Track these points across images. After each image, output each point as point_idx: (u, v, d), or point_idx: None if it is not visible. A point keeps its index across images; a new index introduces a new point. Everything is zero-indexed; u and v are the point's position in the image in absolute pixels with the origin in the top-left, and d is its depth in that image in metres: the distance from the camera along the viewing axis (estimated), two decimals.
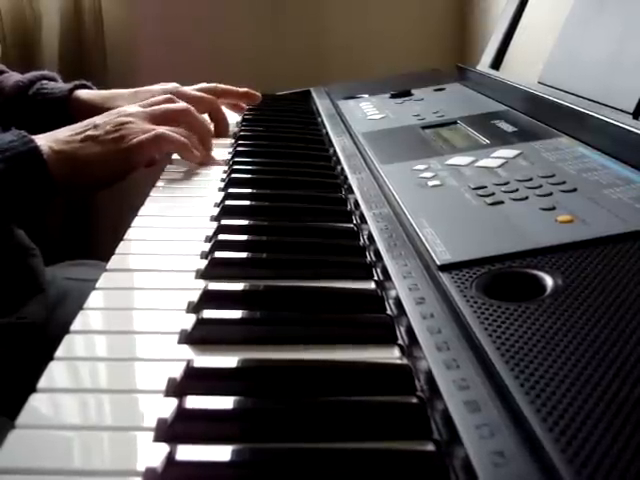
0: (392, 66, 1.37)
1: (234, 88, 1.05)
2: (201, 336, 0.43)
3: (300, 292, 0.49)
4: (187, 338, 0.43)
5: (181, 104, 0.81)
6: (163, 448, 0.32)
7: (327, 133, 0.91)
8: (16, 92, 0.90)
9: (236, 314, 0.45)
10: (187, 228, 0.62)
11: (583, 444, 0.28)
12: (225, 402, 0.35)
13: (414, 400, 0.36)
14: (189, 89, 0.96)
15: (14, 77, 0.94)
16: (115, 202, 1.51)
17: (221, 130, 0.98)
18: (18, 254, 0.80)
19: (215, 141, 0.92)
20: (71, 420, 0.36)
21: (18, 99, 0.90)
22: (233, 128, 1.01)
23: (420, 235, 0.50)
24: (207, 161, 0.81)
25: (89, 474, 0.32)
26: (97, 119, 0.75)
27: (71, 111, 0.88)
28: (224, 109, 1.02)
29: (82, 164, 0.69)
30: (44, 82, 0.92)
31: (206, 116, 0.94)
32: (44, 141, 0.68)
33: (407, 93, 1.03)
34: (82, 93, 0.92)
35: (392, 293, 0.46)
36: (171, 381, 0.38)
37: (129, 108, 0.78)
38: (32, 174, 0.65)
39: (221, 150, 0.88)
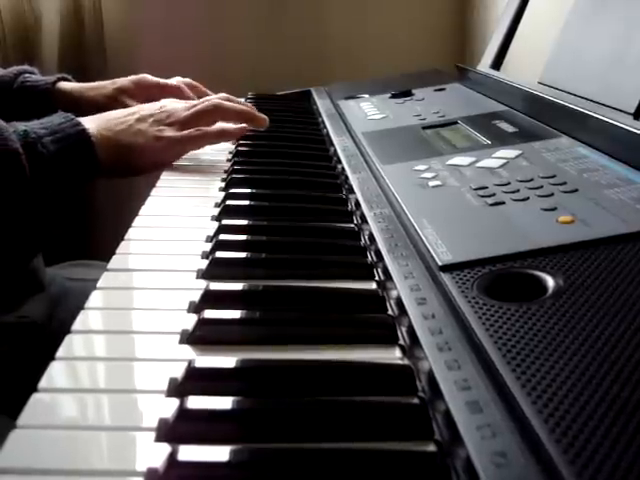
0: (392, 66, 1.37)
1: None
2: (202, 336, 0.43)
3: (301, 292, 0.49)
4: (188, 338, 0.43)
5: (209, 105, 0.84)
6: (165, 448, 0.32)
7: (327, 133, 0.91)
8: (2, 85, 0.93)
9: (237, 314, 0.45)
10: (188, 228, 0.62)
11: (585, 445, 0.28)
12: (226, 402, 0.35)
13: (415, 401, 0.36)
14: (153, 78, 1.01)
15: None
16: (115, 202, 1.50)
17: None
18: None
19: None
20: (72, 420, 0.36)
21: (4, 91, 0.93)
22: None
23: (421, 235, 0.50)
24: (262, 123, 0.87)
25: (90, 474, 0.32)
26: (141, 110, 0.79)
27: (54, 102, 0.92)
28: None
29: (125, 151, 0.73)
30: (26, 75, 0.94)
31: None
32: (91, 124, 0.71)
33: (407, 93, 1.03)
34: (64, 85, 0.96)
35: (393, 293, 0.46)
36: (172, 381, 0.38)
37: (170, 104, 0.81)
38: (81, 156, 0.69)
39: (221, 150, 0.89)
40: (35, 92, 0.92)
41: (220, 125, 0.83)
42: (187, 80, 1.04)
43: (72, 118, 0.70)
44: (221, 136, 0.83)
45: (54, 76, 0.96)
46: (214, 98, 0.85)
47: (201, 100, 0.84)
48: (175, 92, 0.96)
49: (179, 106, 0.81)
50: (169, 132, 0.77)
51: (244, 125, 0.84)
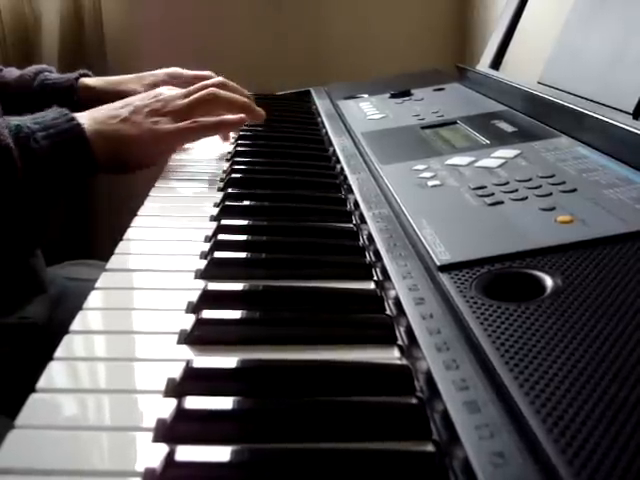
0: (392, 66, 1.37)
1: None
2: (200, 336, 0.43)
3: (300, 292, 0.49)
4: (186, 338, 0.43)
5: (209, 91, 0.82)
6: (162, 448, 0.32)
7: (327, 133, 0.91)
8: (21, 85, 0.92)
9: (235, 314, 0.45)
10: (187, 228, 0.62)
11: (583, 445, 0.28)
12: (224, 402, 0.35)
13: (414, 401, 0.36)
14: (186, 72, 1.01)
15: (13, 71, 0.96)
16: (115, 202, 1.51)
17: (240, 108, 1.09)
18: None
19: (215, 143, 0.92)
20: (71, 420, 0.36)
21: (23, 92, 0.91)
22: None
23: (420, 235, 0.50)
24: (258, 117, 0.85)
25: (89, 474, 0.32)
26: (135, 101, 0.77)
27: (78, 98, 0.91)
28: None
29: (121, 144, 0.71)
30: (46, 74, 0.94)
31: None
32: (85, 119, 0.70)
33: (407, 93, 1.03)
34: (89, 80, 0.94)
35: (392, 293, 0.46)
36: (170, 381, 0.38)
37: (166, 92, 0.79)
38: (75, 151, 0.67)
39: (220, 150, 0.88)
40: (58, 89, 0.90)
41: (217, 117, 0.80)
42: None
43: (66, 113, 0.69)
44: (219, 127, 0.80)
45: (75, 72, 0.95)
46: (214, 81, 0.84)
47: (197, 86, 0.81)
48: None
49: (175, 94, 0.79)
50: (165, 124, 0.74)
51: (243, 115, 0.81)
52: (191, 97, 0.78)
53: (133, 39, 1.54)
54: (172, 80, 0.96)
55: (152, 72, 0.99)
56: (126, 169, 0.76)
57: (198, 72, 1.03)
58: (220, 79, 0.87)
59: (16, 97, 0.89)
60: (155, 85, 0.91)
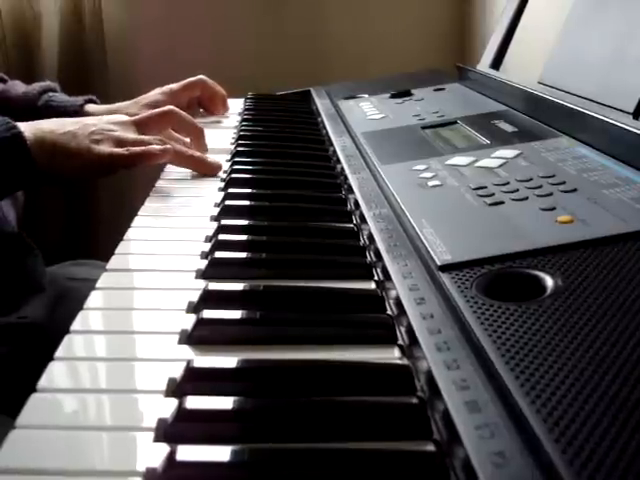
0: (392, 66, 1.37)
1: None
2: (201, 336, 0.43)
3: (300, 292, 0.49)
4: (187, 338, 0.43)
5: (165, 107, 0.83)
6: (163, 448, 0.32)
7: (327, 133, 0.91)
8: (25, 102, 0.93)
9: (236, 314, 0.45)
10: (187, 228, 0.62)
11: (583, 445, 0.28)
12: (225, 402, 0.35)
13: (414, 400, 0.36)
14: (175, 85, 1.04)
15: (18, 86, 0.96)
16: (115, 202, 1.50)
17: (221, 101, 1.12)
18: (18, 254, 0.81)
19: (215, 143, 0.92)
20: (71, 420, 0.36)
21: (27, 109, 0.92)
22: (233, 123, 1.01)
23: (420, 235, 0.50)
24: (203, 167, 0.80)
25: (89, 474, 0.32)
26: (89, 120, 0.76)
27: None
28: None
29: (59, 154, 0.71)
30: (51, 94, 0.94)
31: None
32: (28, 127, 0.70)
33: (407, 93, 1.03)
34: (91, 108, 0.95)
35: (392, 293, 0.46)
36: (171, 381, 0.38)
37: (121, 117, 0.79)
38: (15, 159, 0.67)
39: (220, 150, 0.88)
40: (62, 114, 0.90)
41: (144, 147, 0.74)
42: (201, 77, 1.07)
43: (8, 122, 0.69)
44: (149, 158, 0.73)
45: (81, 98, 0.96)
46: (165, 109, 0.82)
47: (147, 116, 0.80)
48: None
49: (128, 120, 0.78)
50: (103, 145, 0.72)
51: (169, 146, 0.75)
52: (143, 137, 0.76)
53: (133, 39, 1.54)
54: (167, 98, 0.97)
55: (147, 95, 1.00)
56: (64, 180, 0.75)
57: (188, 80, 1.05)
58: (170, 108, 0.84)
59: (20, 114, 0.89)
60: (154, 106, 0.91)
